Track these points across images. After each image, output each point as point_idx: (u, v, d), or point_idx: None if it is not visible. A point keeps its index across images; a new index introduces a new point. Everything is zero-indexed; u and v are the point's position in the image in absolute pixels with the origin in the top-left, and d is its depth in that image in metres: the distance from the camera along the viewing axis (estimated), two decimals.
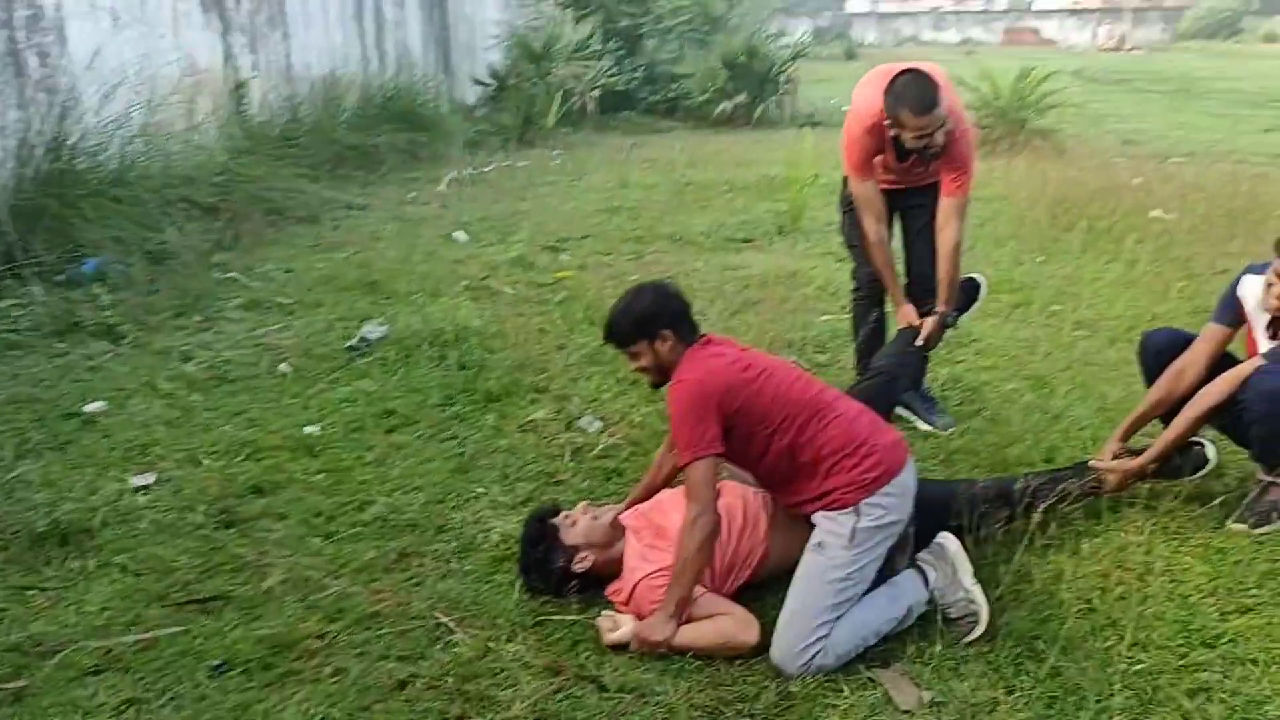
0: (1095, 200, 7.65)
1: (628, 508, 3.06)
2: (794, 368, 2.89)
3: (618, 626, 2.67)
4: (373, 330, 4.81)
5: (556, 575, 2.83)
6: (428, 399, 4.18)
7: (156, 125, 6.90)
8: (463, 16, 15.24)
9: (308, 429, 3.91)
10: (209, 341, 4.90)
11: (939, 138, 3.50)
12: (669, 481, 3.06)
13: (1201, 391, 3.14)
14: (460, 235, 7.21)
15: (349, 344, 4.73)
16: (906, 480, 2.73)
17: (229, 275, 5.94)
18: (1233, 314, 3.22)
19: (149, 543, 3.13)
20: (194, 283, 5.65)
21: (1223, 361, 3.22)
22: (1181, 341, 3.34)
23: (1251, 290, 3.16)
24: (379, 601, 2.82)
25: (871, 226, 3.84)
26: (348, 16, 11.04)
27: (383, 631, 2.69)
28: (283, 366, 4.54)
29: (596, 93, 14.01)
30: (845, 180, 3.97)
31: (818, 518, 2.68)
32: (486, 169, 10.11)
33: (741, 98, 14.80)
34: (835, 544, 2.62)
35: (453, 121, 11.58)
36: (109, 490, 3.44)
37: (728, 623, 2.64)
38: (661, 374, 2.81)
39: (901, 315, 3.90)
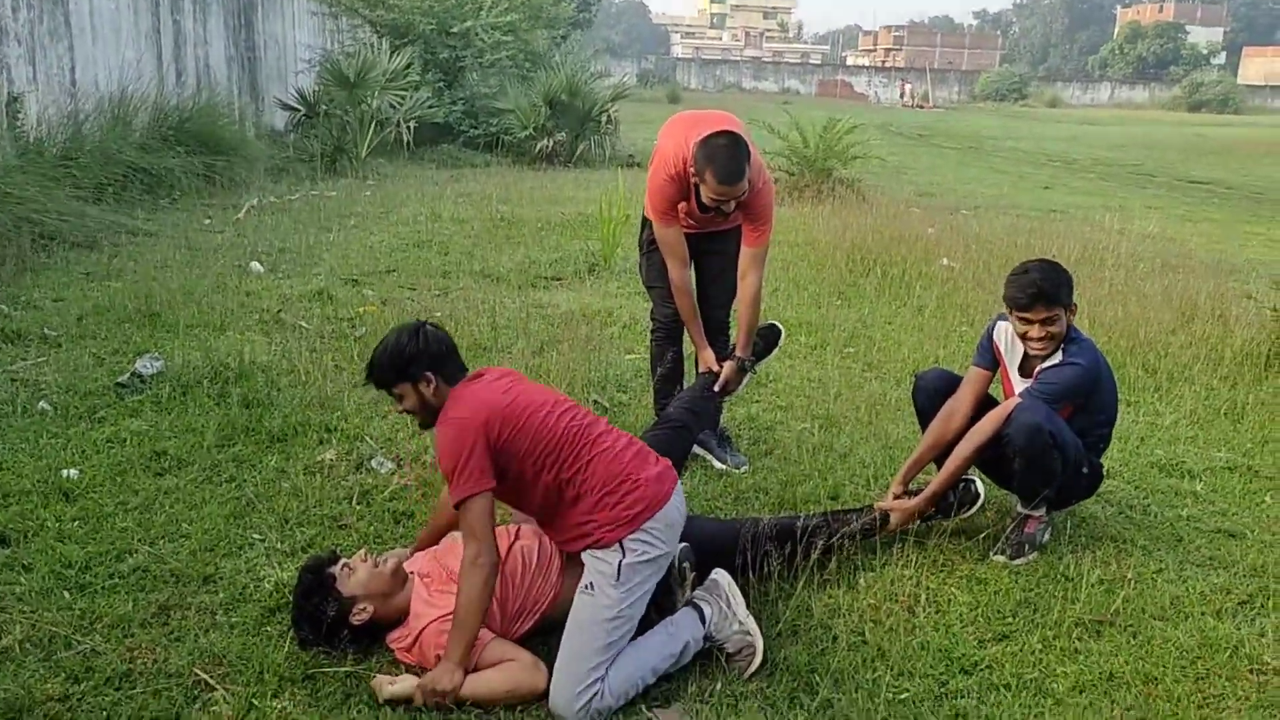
0: (891, 247, 8.07)
1: (415, 552, 2.96)
2: (565, 399, 2.83)
3: (395, 681, 2.55)
4: (147, 365, 4.47)
5: (331, 628, 2.68)
6: (204, 440, 3.92)
7: None
8: (271, 38, 14.71)
9: (65, 472, 3.59)
10: None
11: (732, 204, 3.59)
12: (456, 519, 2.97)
13: (970, 432, 3.36)
14: (256, 266, 6.88)
15: (119, 380, 4.38)
16: (671, 514, 2.72)
17: None
18: (989, 358, 3.48)
19: None
20: None
21: (987, 402, 3.46)
22: (948, 380, 3.57)
23: (1003, 335, 3.40)
24: (132, 659, 2.62)
25: (676, 270, 3.88)
26: (143, 31, 10.45)
27: (135, 691, 2.49)
28: (42, 404, 4.16)
29: (413, 124, 13.78)
30: (645, 222, 4.02)
31: (585, 557, 2.67)
32: (291, 198, 9.74)
33: (562, 135, 14.87)
34: (603, 583, 2.60)
35: (256, 147, 11.11)
36: None
37: (515, 669, 2.57)
38: (429, 415, 2.73)
39: (702, 360, 3.96)
